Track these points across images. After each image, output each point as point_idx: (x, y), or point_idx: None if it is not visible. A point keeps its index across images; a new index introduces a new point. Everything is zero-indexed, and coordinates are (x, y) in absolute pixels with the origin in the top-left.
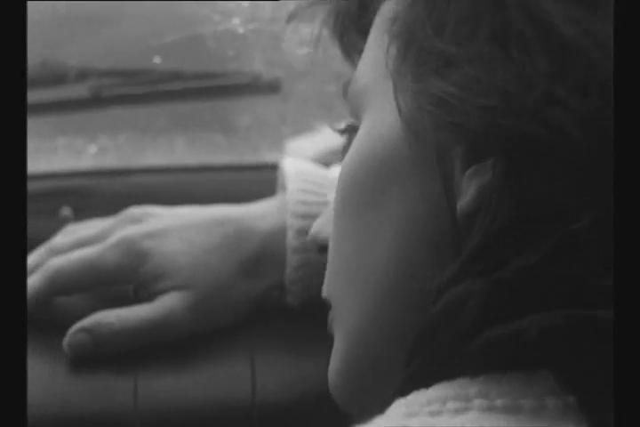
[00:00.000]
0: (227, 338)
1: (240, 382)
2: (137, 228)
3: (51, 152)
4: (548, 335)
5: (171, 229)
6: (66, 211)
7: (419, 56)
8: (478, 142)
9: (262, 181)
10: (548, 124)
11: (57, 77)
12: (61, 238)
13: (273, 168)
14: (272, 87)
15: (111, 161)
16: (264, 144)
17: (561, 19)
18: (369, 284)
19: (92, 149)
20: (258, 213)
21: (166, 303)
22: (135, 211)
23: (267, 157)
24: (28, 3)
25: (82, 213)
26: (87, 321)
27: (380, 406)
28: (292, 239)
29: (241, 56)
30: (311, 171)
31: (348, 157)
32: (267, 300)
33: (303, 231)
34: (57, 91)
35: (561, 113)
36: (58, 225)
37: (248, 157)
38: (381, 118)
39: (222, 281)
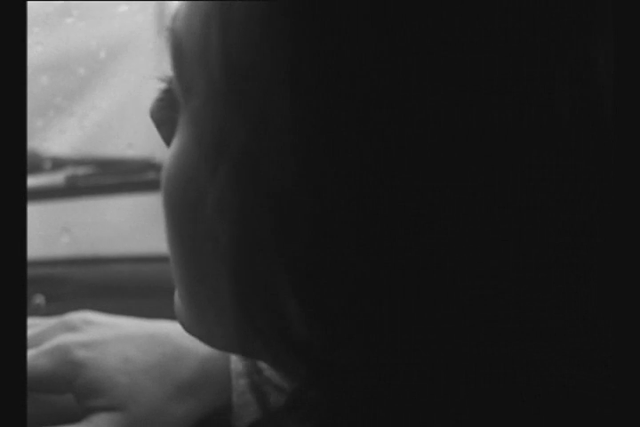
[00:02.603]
0: None
1: None
2: (73, 336)
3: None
4: None
5: (108, 341)
6: (38, 299)
7: None
8: None
9: None
10: None
11: (33, 166)
12: None
13: None
14: None
15: (85, 250)
16: None
17: None
18: None
19: (66, 238)
20: None
21: (95, 426)
22: (74, 317)
23: None
24: None
25: (54, 302)
26: None
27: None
28: (236, 363)
29: None
30: None
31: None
32: (208, 424)
33: None
34: (33, 179)
35: None
36: (30, 313)
37: None
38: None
39: (157, 404)
